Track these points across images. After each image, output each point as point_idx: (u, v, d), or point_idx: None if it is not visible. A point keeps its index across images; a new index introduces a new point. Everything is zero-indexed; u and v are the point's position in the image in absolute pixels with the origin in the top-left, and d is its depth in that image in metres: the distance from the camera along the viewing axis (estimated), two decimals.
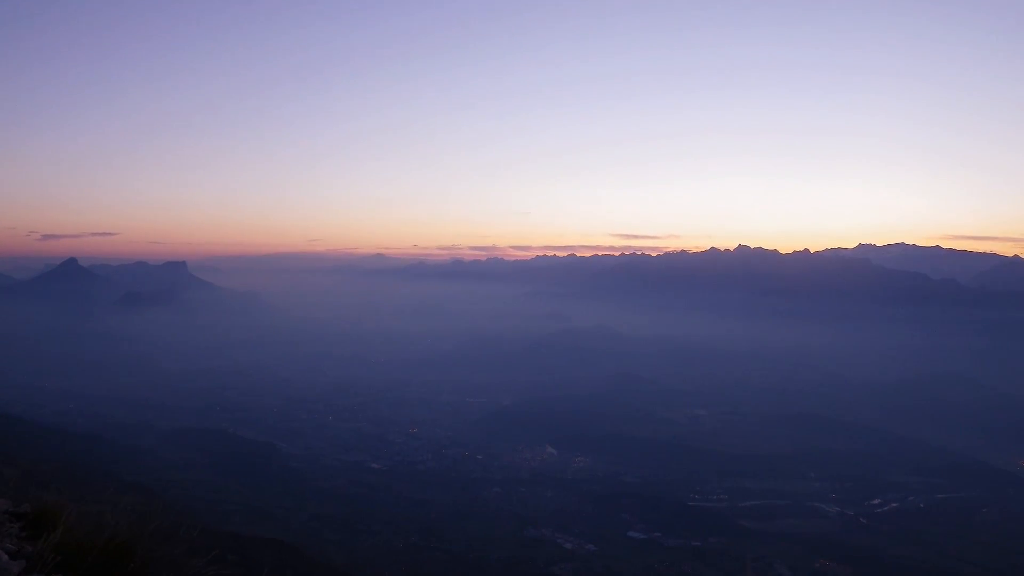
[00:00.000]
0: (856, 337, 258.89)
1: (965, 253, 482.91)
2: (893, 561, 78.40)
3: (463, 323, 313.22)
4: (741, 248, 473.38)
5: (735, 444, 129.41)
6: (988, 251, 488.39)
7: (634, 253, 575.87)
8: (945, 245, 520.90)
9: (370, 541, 79.84)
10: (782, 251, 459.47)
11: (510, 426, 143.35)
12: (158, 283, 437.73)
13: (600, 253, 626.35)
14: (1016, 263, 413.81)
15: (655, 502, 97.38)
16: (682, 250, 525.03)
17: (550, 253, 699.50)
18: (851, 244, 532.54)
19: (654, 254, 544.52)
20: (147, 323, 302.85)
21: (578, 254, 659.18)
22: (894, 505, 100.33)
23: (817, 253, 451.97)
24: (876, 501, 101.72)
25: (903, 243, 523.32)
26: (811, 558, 78.42)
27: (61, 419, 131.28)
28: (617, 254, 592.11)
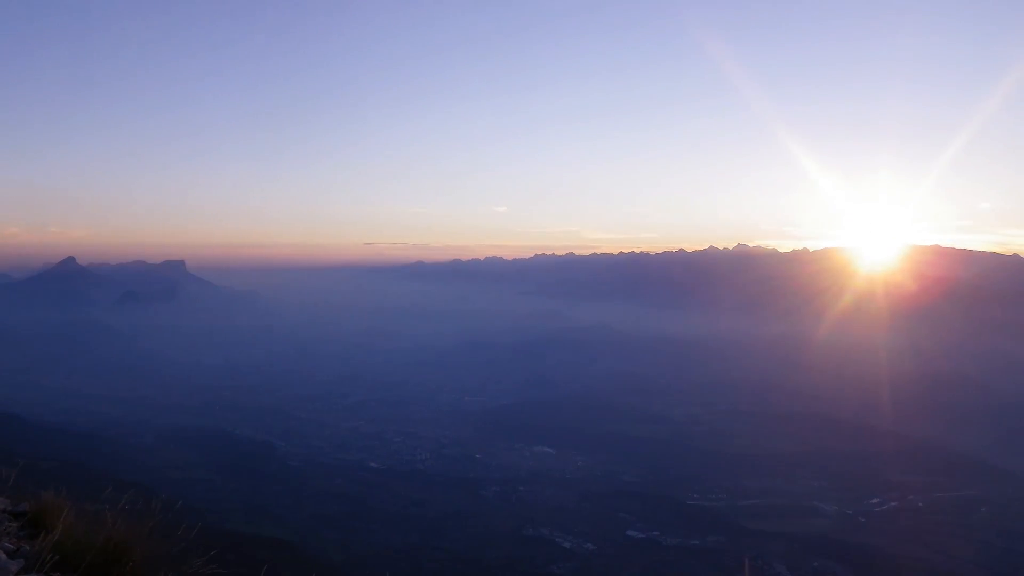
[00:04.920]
0: (855, 336, 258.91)
1: (964, 252, 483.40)
2: (892, 560, 78.49)
3: (462, 322, 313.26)
4: (740, 247, 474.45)
5: (734, 443, 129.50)
6: (988, 250, 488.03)
7: (633, 252, 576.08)
8: (944, 244, 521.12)
9: (368, 540, 79.93)
10: (781, 250, 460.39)
11: (508, 425, 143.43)
12: (157, 282, 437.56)
13: (599, 251, 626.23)
14: (1015, 262, 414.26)
15: (654, 501, 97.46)
16: (681, 249, 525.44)
17: (548, 252, 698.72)
18: (850, 243, 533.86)
19: (653, 252, 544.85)
20: (145, 321, 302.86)
21: (576, 253, 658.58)
22: (893, 504, 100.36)
23: (816, 251, 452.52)
24: (875, 500, 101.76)
25: (902, 242, 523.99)
26: (810, 557, 78.53)
27: (59, 417, 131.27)
28: (616, 252, 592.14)
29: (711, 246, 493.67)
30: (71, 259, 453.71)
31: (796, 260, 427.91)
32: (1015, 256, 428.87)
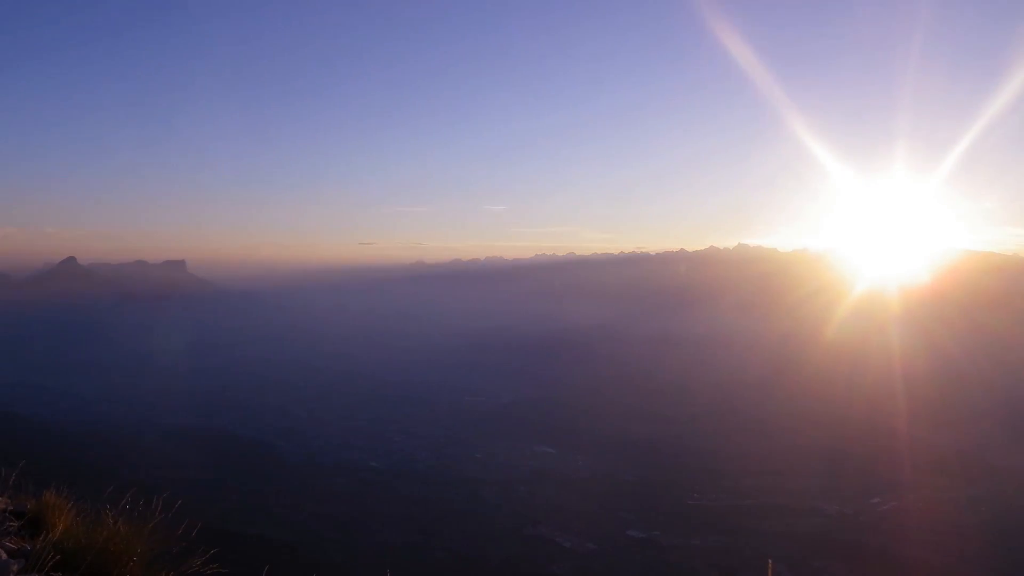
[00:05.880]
0: (855, 335, 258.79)
1: (965, 252, 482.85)
2: (893, 560, 78.48)
3: (462, 322, 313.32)
4: (740, 247, 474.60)
5: (734, 442, 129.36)
6: (989, 250, 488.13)
7: (633, 252, 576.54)
8: (945, 243, 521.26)
9: (369, 540, 79.87)
10: (781, 250, 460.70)
11: (509, 425, 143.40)
12: (157, 282, 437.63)
13: (599, 251, 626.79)
14: (1016, 262, 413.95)
15: (654, 501, 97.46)
16: (681, 248, 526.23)
17: (548, 252, 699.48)
18: (851, 242, 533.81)
19: (653, 252, 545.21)
20: (145, 321, 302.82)
21: (576, 253, 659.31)
22: (894, 504, 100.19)
23: (817, 251, 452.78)
24: (875, 500, 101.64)
25: (903, 241, 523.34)
26: (810, 557, 78.50)
27: (60, 417, 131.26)
28: (616, 252, 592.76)
29: (711, 246, 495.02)
30: (72, 259, 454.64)
31: (796, 260, 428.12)
32: (1016, 256, 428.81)
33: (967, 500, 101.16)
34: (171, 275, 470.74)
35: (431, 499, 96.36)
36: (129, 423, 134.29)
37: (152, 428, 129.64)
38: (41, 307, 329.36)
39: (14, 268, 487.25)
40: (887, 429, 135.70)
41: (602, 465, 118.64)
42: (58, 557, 6.24)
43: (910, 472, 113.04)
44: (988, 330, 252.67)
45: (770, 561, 69.85)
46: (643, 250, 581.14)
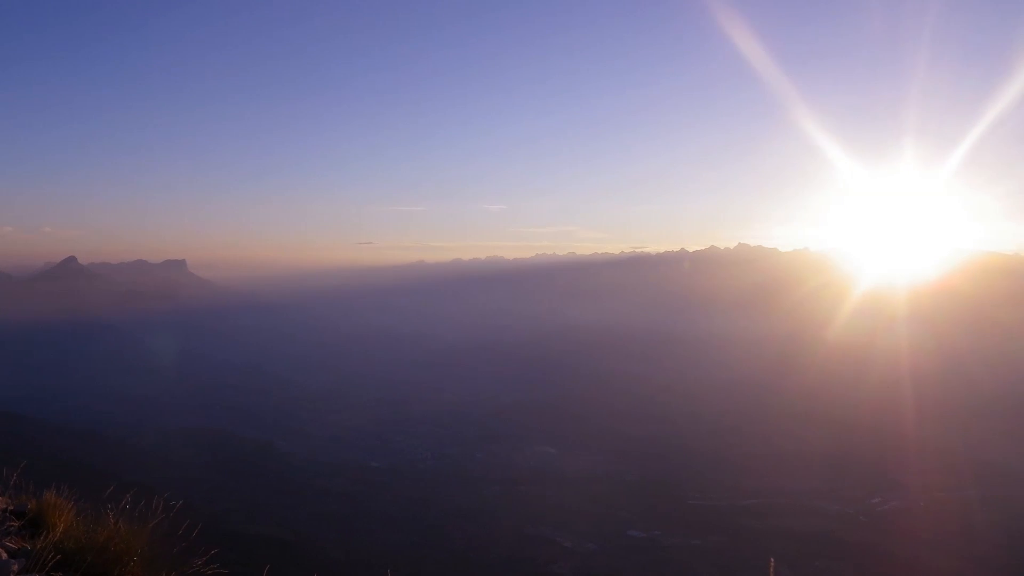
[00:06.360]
0: (855, 336, 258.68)
1: (966, 252, 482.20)
2: (893, 560, 78.42)
3: (462, 322, 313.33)
4: (741, 246, 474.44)
5: (734, 443, 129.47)
6: (990, 250, 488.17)
7: (633, 252, 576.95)
8: (946, 244, 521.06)
9: (369, 540, 79.89)
10: (781, 250, 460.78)
11: (509, 425, 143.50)
12: (157, 281, 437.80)
13: (599, 251, 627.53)
14: (1017, 262, 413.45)
15: (655, 500, 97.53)
16: (681, 248, 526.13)
17: (549, 252, 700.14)
18: (851, 243, 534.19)
19: (653, 252, 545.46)
20: (146, 321, 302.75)
21: (577, 252, 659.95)
22: (894, 504, 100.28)
23: (818, 252, 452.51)
24: (876, 500, 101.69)
25: (903, 242, 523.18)
26: (811, 557, 78.45)
27: (60, 417, 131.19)
28: (616, 252, 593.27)
29: (712, 245, 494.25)
30: (72, 259, 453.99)
31: (797, 260, 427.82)
32: (1016, 256, 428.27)
33: (966, 500, 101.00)
34: (171, 275, 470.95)
35: (431, 499, 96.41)
36: (129, 423, 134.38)
37: (152, 428, 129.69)
38: (41, 307, 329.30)
39: (14, 268, 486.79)
40: (891, 429, 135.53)
41: (602, 465, 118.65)
42: (58, 557, 6.23)
43: (916, 472, 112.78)
44: (997, 330, 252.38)
45: (772, 560, 69.21)
46: (643, 250, 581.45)
